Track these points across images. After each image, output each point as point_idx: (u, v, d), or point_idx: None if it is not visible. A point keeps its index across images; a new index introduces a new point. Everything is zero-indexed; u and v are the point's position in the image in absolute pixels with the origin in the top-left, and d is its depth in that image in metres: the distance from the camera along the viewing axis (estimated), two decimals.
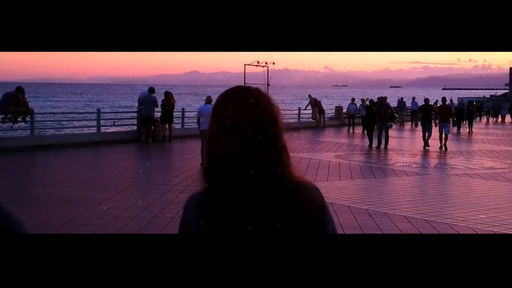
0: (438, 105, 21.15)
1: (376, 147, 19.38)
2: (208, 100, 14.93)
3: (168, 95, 20.09)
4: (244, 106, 1.63)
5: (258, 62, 25.72)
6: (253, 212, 1.59)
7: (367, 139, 20.48)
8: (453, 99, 44.38)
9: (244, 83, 25.63)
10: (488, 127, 35.38)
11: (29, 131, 17.82)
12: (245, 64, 25.40)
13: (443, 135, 19.99)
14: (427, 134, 20.03)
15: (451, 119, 21.30)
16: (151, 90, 19.94)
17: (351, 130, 27.31)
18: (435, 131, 20.29)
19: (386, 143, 19.60)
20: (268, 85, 26.36)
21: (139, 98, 20.63)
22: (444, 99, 21.90)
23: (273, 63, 26.08)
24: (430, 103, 21.03)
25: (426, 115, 20.43)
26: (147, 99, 19.58)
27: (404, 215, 8.83)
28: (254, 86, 1.75)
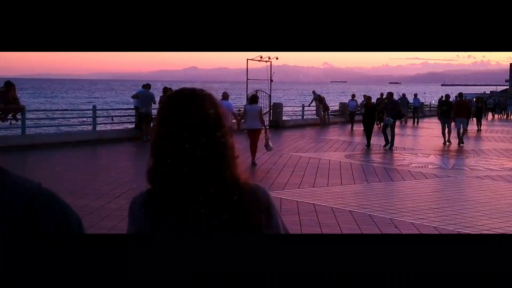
0: (455, 101, 20.60)
1: (385, 146, 18.28)
2: (224, 96, 14.29)
3: (167, 92, 19.05)
4: (186, 110, 1.65)
5: (261, 57, 24.65)
6: (196, 215, 1.62)
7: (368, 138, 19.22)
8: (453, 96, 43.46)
9: (247, 79, 24.72)
10: (495, 124, 34.43)
11: (20, 129, 16.83)
12: (247, 59, 24.36)
13: (461, 131, 19.86)
14: (447, 130, 19.95)
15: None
16: (148, 86, 19.03)
17: (353, 128, 26.30)
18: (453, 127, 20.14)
19: (392, 143, 18.42)
20: (271, 80, 25.27)
21: (134, 96, 19.70)
22: (461, 95, 21.31)
23: (277, 58, 24.99)
24: (450, 99, 20.72)
25: (447, 111, 20.19)
26: (144, 95, 18.62)
27: (433, 226, 7.88)
28: (200, 87, 1.76)
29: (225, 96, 14.49)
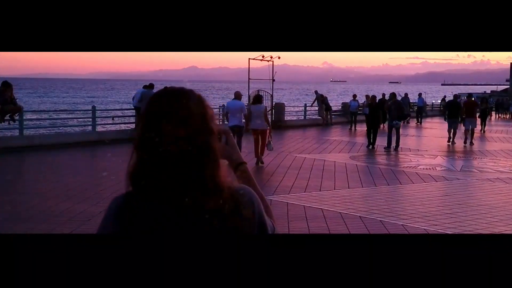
0: (464, 101, 20.54)
1: (386, 148, 17.91)
2: (237, 96, 13.92)
3: None
4: (169, 108, 1.59)
5: (263, 57, 24.29)
6: (175, 219, 1.55)
7: (371, 139, 18.82)
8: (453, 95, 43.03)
9: (248, 78, 24.34)
10: (498, 124, 34.03)
11: (17, 130, 16.47)
12: (249, 59, 24.01)
13: (469, 131, 19.87)
14: (452, 130, 19.92)
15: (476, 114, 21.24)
16: (151, 86, 18.68)
17: (353, 129, 25.92)
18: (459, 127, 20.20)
19: (397, 144, 18.10)
20: (273, 80, 24.91)
21: (134, 97, 19.33)
22: (470, 95, 21.18)
23: (279, 58, 24.64)
24: (458, 99, 20.81)
25: (454, 111, 20.14)
26: (146, 96, 18.28)
27: (448, 233, 7.53)
28: (187, 87, 1.69)
29: (238, 96, 14.05)
